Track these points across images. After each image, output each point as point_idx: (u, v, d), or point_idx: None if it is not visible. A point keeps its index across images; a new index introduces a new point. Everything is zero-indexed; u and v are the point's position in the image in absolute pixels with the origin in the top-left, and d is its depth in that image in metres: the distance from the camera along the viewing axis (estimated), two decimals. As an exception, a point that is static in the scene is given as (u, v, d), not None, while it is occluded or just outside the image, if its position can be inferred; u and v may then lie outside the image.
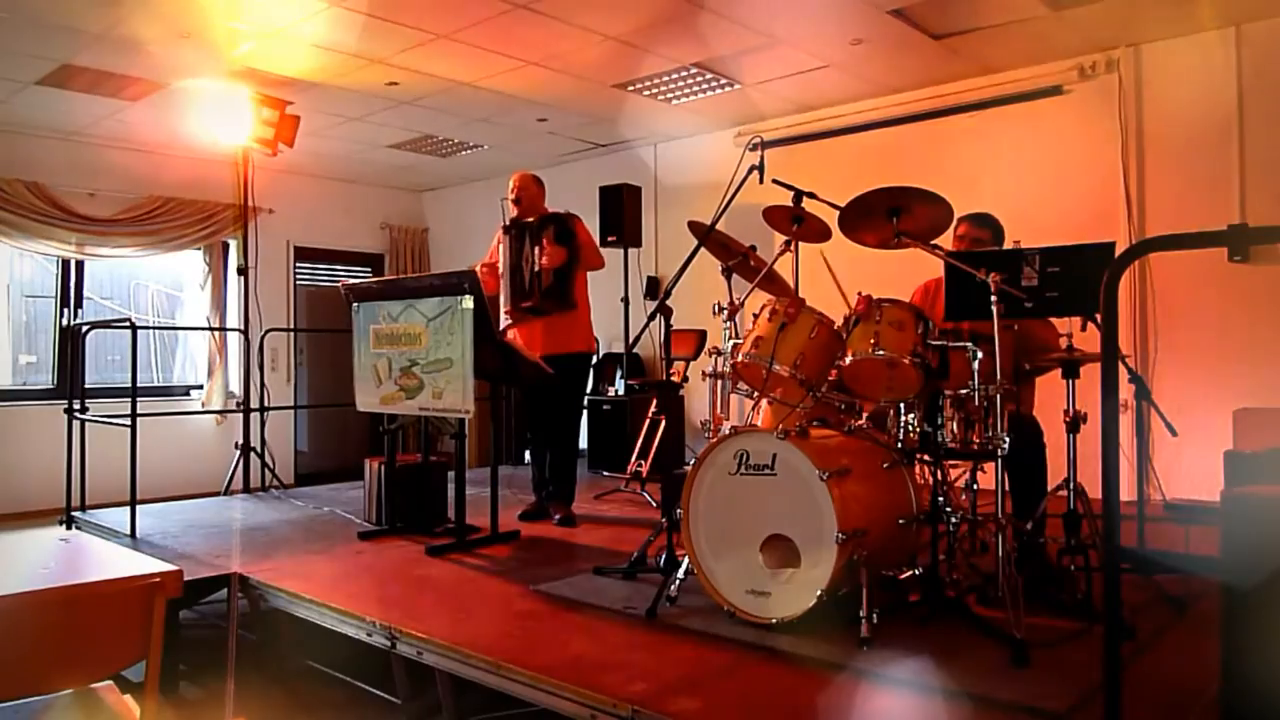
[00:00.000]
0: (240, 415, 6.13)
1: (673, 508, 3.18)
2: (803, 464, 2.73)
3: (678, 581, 3.04)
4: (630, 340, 6.55)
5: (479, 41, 5.24)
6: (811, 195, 3.33)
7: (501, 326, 4.55)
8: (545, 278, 4.47)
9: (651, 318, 3.42)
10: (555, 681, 2.41)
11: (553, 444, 4.76)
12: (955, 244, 3.71)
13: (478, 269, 4.51)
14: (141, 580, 1.77)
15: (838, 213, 3.19)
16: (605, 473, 6.53)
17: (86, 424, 4.98)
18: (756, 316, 3.17)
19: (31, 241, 7.09)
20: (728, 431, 2.99)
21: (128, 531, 4.43)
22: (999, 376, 2.84)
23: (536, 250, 4.47)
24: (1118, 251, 2.51)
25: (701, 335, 6.42)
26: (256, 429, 6.05)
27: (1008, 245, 3.09)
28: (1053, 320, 3.39)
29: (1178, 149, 5.27)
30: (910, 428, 3.05)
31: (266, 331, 6.82)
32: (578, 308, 4.64)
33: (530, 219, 4.60)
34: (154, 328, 8.28)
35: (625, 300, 6.98)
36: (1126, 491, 4.40)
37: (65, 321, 7.43)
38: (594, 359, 5.01)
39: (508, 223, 4.65)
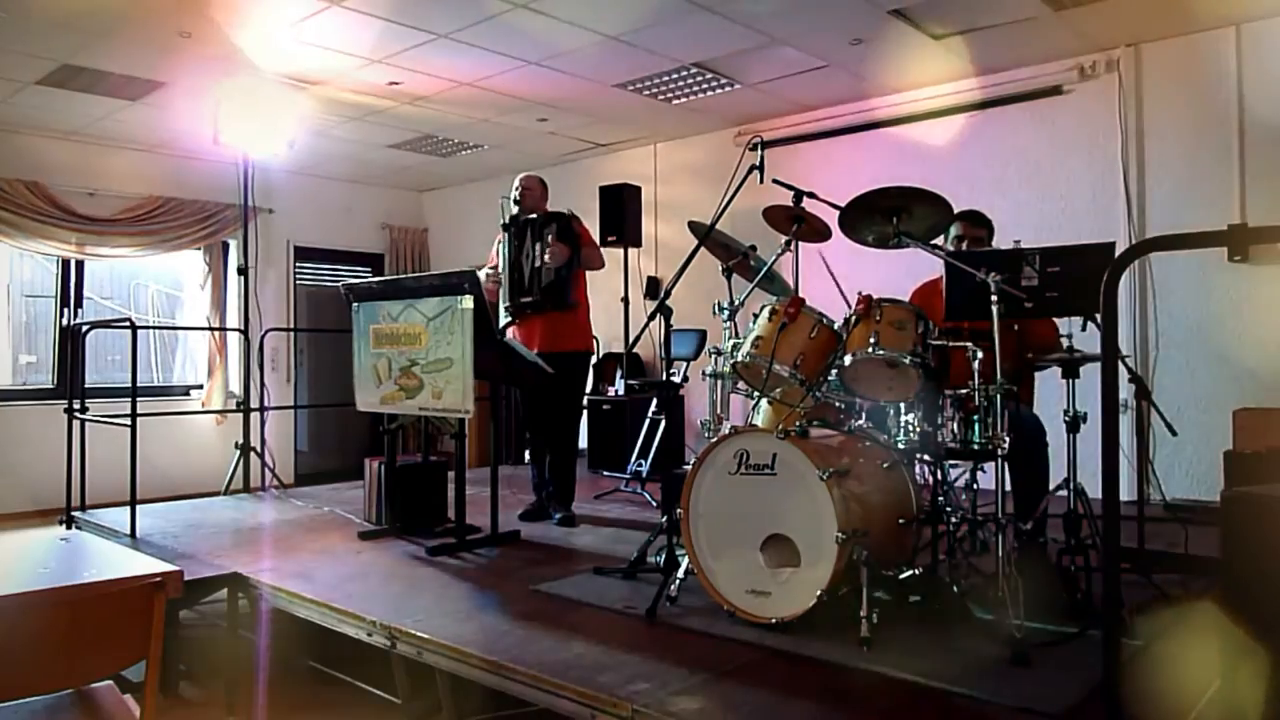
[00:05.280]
0: (240, 415, 6.13)
1: (673, 508, 3.18)
2: (803, 464, 2.73)
3: (678, 581, 3.04)
4: (630, 340, 6.55)
5: (479, 41, 5.24)
6: (811, 195, 3.32)
7: (501, 324, 4.55)
8: (546, 275, 4.48)
9: (651, 318, 3.42)
10: (555, 681, 2.41)
11: (552, 444, 4.76)
12: (952, 244, 3.69)
13: (482, 276, 4.51)
14: (141, 580, 1.77)
15: (838, 213, 3.19)
16: (605, 473, 6.53)
17: (86, 424, 4.98)
18: (756, 316, 3.17)
19: (31, 241, 7.09)
20: (728, 431, 2.99)
21: (128, 531, 4.43)
22: (999, 376, 2.84)
23: (538, 247, 4.49)
24: (1118, 251, 2.51)
25: (701, 335, 6.42)
26: (256, 429, 6.05)
27: (1008, 245, 3.08)
28: (1053, 319, 3.39)
29: (1178, 149, 5.27)
30: (910, 428, 3.05)
31: (266, 331, 6.82)
32: (578, 306, 4.65)
33: (531, 216, 4.61)
34: (154, 328, 8.28)
35: (625, 300, 6.97)
36: (1126, 491, 4.41)
37: (65, 321, 7.43)
38: (593, 359, 5.00)
39: (506, 220, 4.66)
